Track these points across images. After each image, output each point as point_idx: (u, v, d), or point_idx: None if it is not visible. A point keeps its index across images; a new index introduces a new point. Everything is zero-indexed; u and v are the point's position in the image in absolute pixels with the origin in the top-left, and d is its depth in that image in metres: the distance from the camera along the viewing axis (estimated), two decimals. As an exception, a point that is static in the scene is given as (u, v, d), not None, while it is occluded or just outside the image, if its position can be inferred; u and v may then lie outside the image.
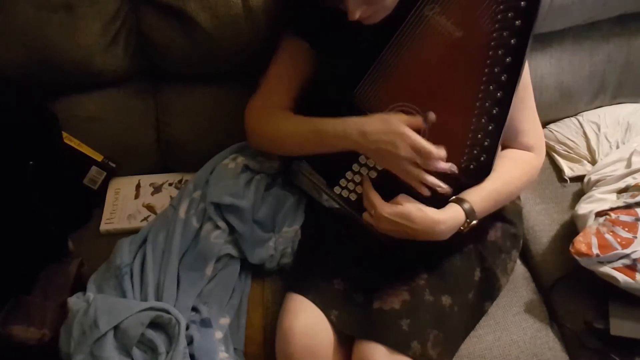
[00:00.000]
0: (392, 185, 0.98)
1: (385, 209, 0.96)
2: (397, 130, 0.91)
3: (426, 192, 0.95)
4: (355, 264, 1.08)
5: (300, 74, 1.10)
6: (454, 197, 0.99)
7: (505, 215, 1.15)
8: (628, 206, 1.13)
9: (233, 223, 1.12)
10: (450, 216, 0.96)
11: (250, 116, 1.13)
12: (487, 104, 0.93)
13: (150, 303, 1.04)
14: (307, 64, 1.09)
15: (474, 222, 0.98)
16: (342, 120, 0.97)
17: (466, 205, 0.97)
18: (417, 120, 0.94)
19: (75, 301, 1.04)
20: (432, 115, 0.93)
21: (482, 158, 0.97)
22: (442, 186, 0.95)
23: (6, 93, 1.16)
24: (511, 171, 1.04)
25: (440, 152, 0.91)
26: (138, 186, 1.33)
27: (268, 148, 1.15)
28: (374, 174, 1.02)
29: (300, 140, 1.04)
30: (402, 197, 0.96)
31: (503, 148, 1.06)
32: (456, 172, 0.94)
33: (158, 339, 1.01)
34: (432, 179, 0.94)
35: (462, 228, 0.98)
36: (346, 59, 1.01)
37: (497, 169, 1.00)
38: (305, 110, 1.06)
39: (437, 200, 0.97)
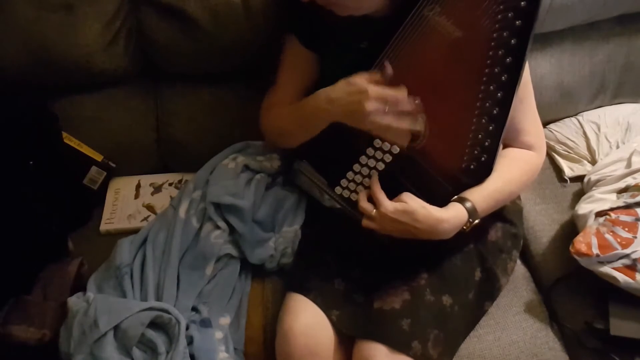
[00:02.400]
0: (392, 185, 0.98)
1: (389, 207, 0.96)
2: (360, 88, 0.91)
3: (406, 142, 0.96)
4: (355, 263, 1.08)
5: (305, 77, 1.11)
6: (455, 196, 0.99)
7: (506, 215, 1.15)
8: (628, 206, 1.13)
9: (233, 223, 1.12)
10: (453, 215, 0.96)
11: (262, 117, 1.15)
12: (487, 104, 0.93)
13: (150, 303, 1.04)
14: (311, 67, 1.10)
15: (477, 221, 0.98)
16: (313, 95, 0.98)
17: (468, 205, 0.97)
18: (376, 75, 0.93)
19: (75, 301, 1.04)
20: (389, 68, 0.93)
21: (482, 158, 0.97)
22: (417, 128, 0.94)
23: (6, 93, 1.16)
24: (512, 170, 1.04)
25: (400, 91, 0.91)
26: (138, 186, 1.33)
27: (282, 143, 1.16)
28: (374, 174, 1.02)
29: (296, 127, 1.05)
30: (405, 195, 0.96)
31: (504, 147, 1.06)
32: (420, 109, 0.93)
33: (158, 339, 1.01)
34: (403, 123, 0.92)
35: (464, 227, 0.98)
36: (347, 60, 1.01)
37: (498, 168, 1.00)
38: None
39: (440, 200, 0.97)
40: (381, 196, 0.98)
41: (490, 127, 0.94)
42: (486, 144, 0.95)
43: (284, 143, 1.16)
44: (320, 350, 1.00)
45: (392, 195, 0.98)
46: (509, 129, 1.03)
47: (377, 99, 0.90)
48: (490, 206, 1.01)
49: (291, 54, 1.11)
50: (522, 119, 1.05)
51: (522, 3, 0.85)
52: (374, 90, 0.90)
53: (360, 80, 0.92)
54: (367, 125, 0.94)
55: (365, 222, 1.00)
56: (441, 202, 0.97)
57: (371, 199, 1.00)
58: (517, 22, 0.86)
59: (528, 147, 1.07)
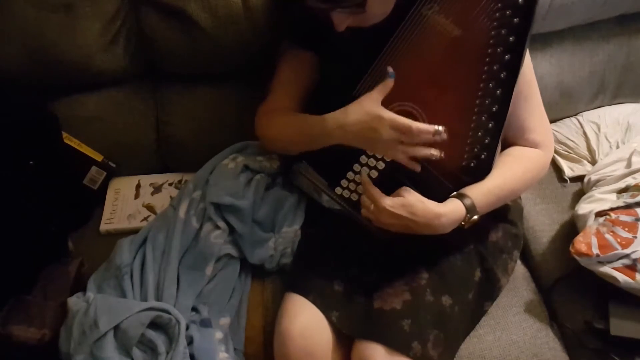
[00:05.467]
0: (393, 185, 0.98)
1: (387, 201, 0.96)
2: (374, 115, 0.91)
3: (418, 168, 0.95)
4: (355, 264, 1.08)
5: (302, 79, 1.11)
6: (455, 192, 0.99)
7: (507, 215, 1.15)
8: (628, 206, 1.13)
9: (233, 223, 1.12)
10: (451, 210, 0.96)
11: (258, 122, 1.14)
12: (486, 101, 0.93)
13: (150, 303, 1.04)
14: (309, 68, 1.10)
15: (475, 217, 0.98)
16: (322, 119, 0.97)
17: (467, 200, 0.97)
18: (390, 86, 0.93)
19: (75, 301, 1.04)
20: (390, 71, 0.92)
21: (482, 156, 0.97)
22: (434, 153, 0.92)
23: (6, 93, 1.16)
24: (514, 168, 1.03)
25: (419, 125, 0.90)
26: (138, 186, 1.33)
27: (278, 150, 1.16)
28: (375, 174, 1.02)
29: (295, 141, 1.05)
30: (404, 190, 0.96)
31: (510, 145, 1.06)
32: (444, 136, 0.91)
33: (158, 339, 1.01)
34: (422, 151, 0.92)
35: (462, 223, 0.97)
36: (346, 60, 1.01)
37: (500, 165, 1.01)
38: (311, 112, 1.06)
39: (439, 195, 0.97)
40: (376, 192, 0.98)
41: (490, 125, 0.94)
42: (486, 141, 0.96)
43: (282, 150, 1.15)
44: (317, 352, 1.00)
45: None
46: (514, 127, 1.04)
47: (393, 126, 0.90)
48: (491, 202, 1.01)
49: (291, 58, 1.11)
50: (528, 117, 1.05)
51: (520, 1, 0.85)
52: (390, 118, 0.90)
53: (372, 105, 0.92)
54: (380, 151, 0.95)
55: (364, 212, 1.00)
56: (441, 200, 0.97)
57: None
58: (515, 20, 0.87)
59: (534, 145, 1.07)
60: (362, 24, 0.94)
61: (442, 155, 0.93)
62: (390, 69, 0.93)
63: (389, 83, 0.93)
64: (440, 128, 0.90)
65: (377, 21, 0.95)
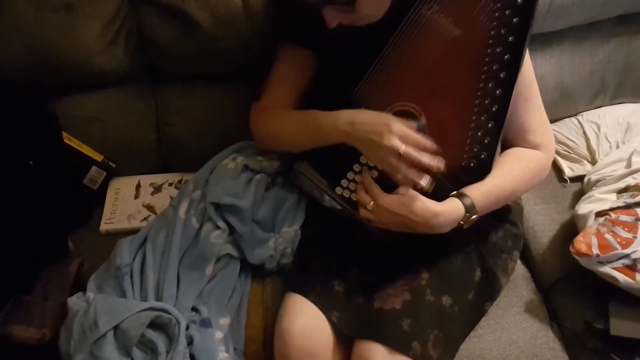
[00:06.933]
0: (392, 185, 0.98)
1: (386, 199, 0.96)
2: (385, 121, 0.91)
3: (410, 185, 0.94)
4: (355, 263, 1.08)
5: (300, 77, 1.11)
6: (454, 192, 0.99)
7: (507, 215, 1.15)
8: (628, 206, 1.13)
9: (233, 223, 1.12)
10: (450, 209, 0.96)
11: (253, 120, 1.14)
12: (486, 101, 0.93)
13: (150, 303, 1.04)
14: (307, 67, 1.10)
15: (474, 216, 0.98)
16: (335, 114, 0.98)
17: (466, 200, 0.97)
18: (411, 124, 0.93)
19: (75, 301, 1.04)
20: (423, 121, 0.94)
21: (482, 156, 0.97)
22: (421, 183, 0.92)
23: (6, 93, 1.16)
24: (514, 168, 1.03)
25: (427, 142, 0.90)
26: (138, 186, 1.33)
27: (274, 146, 1.16)
28: (375, 174, 1.02)
29: (298, 135, 1.05)
30: (403, 188, 0.97)
31: (511, 147, 1.06)
32: (442, 169, 0.91)
33: (158, 339, 1.01)
34: (411, 173, 0.92)
35: (462, 223, 0.97)
36: (346, 60, 1.01)
37: (499, 165, 1.01)
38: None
39: (438, 195, 0.97)
40: (375, 189, 0.98)
41: (490, 125, 0.94)
42: (485, 141, 0.96)
43: (277, 148, 1.15)
44: (318, 352, 1.00)
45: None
46: (515, 128, 1.04)
47: (401, 135, 0.90)
48: (491, 202, 1.01)
49: (287, 56, 1.11)
50: (528, 118, 1.05)
51: (519, 0, 0.86)
52: (399, 127, 0.90)
53: (390, 116, 0.92)
54: (377, 160, 0.95)
55: (362, 212, 1.00)
56: (441, 200, 0.97)
57: None
58: (515, 20, 0.87)
59: (535, 147, 1.07)
60: (355, 22, 0.94)
61: (430, 187, 0.93)
62: (423, 121, 0.93)
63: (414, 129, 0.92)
64: (441, 165, 0.91)
65: (371, 21, 0.95)
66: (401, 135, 0.90)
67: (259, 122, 1.13)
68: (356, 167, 1.03)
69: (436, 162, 0.91)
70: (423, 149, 0.90)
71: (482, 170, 0.99)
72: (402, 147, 0.89)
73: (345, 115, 0.96)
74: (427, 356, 0.96)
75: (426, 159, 0.90)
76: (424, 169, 0.92)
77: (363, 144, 0.95)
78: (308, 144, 1.04)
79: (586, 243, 1.08)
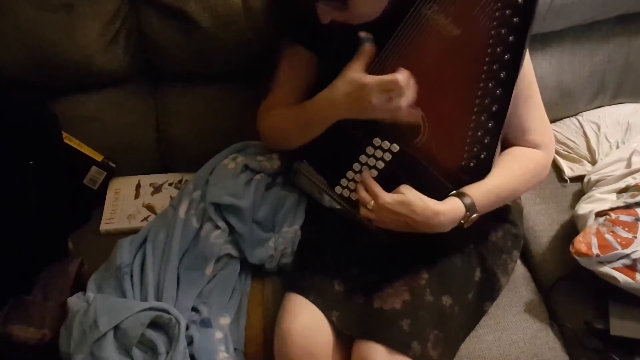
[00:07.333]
0: (393, 184, 0.98)
1: (387, 198, 0.96)
2: (359, 84, 0.91)
3: (419, 115, 0.95)
4: (355, 263, 1.08)
5: (303, 76, 1.11)
6: (454, 191, 0.99)
7: (507, 215, 1.15)
8: (628, 206, 1.13)
9: (233, 223, 1.12)
10: (450, 208, 0.96)
11: (259, 119, 1.15)
12: (486, 101, 0.93)
13: (150, 303, 1.04)
14: (309, 68, 1.10)
15: (475, 216, 0.98)
16: (314, 100, 0.99)
17: (467, 199, 0.97)
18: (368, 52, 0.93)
19: (75, 301, 1.04)
20: (363, 35, 0.94)
21: (482, 155, 0.97)
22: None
23: (6, 93, 1.16)
24: (514, 167, 1.03)
25: (404, 75, 0.90)
26: (138, 186, 1.33)
27: (279, 143, 1.16)
28: (375, 173, 1.02)
29: (299, 130, 1.05)
30: (403, 187, 0.97)
31: (511, 146, 1.07)
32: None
33: (158, 339, 1.01)
34: (408, 97, 0.92)
35: (462, 222, 0.97)
36: (345, 59, 1.01)
37: (499, 165, 1.01)
38: None
39: (439, 195, 0.97)
40: (376, 188, 0.98)
41: (490, 124, 0.94)
42: (485, 141, 0.96)
43: (283, 145, 1.15)
44: (318, 352, 1.00)
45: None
46: (514, 127, 1.04)
47: (379, 89, 0.90)
48: (491, 202, 1.01)
49: (289, 56, 1.11)
50: (528, 117, 1.05)
51: (519, 0, 0.85)
52: (373, 81, 0.91)
53: (357, 74, 0.92)
54: (378, 115, 0.95)
55: (363, 211, 1.00)
56: (441, 199, 0.97)
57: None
58: (515, 19, 0.87)
59: (535, 146, 1.07)
60: (351, 20, 0.94)
61: (426, 127, 0.93)
62: (363, 34, 0.93)
63: (367, 48, 0.93)
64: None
65: (368, 20, 0.95)
66: (380, 87, 0.90)
67: (265, 120, 1.14)
68: (356, 167, 1.04)
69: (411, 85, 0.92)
70: (402, 79, 0.90)
71: (482, 170, 0.99)
72: (388, 94, 0.90)
73: (323, 99, 0.97)
74: (427, 356, 0.96)
75: (407, 83, 0.91)
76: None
77: (354, 113, 0.96)
78: (304, 136, 1.05)
79: (586, 243, 1.08)
